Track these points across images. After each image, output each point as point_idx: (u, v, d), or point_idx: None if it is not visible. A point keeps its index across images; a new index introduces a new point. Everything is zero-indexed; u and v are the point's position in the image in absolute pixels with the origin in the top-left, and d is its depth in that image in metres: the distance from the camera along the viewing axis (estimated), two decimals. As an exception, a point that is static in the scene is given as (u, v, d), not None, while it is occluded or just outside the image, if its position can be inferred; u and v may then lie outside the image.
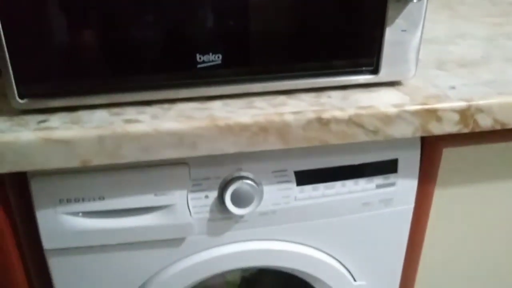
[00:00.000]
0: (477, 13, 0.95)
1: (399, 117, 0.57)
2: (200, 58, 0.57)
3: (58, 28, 0.54)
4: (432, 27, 0.87)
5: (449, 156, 0.65)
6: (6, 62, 0.53)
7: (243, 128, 0.54)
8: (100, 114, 0.56)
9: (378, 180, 0.64)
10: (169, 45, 0.57)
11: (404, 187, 0.65)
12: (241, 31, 0.59)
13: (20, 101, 0.54)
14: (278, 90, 0.60)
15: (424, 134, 0.59)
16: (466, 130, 0.59)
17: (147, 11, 0.56)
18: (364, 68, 0.62)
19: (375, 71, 0.62)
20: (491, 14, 0.94)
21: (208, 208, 0.60)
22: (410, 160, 0.64)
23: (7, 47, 0.52)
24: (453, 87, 0.63)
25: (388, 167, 0.63)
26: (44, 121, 0.54)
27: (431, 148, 0.64)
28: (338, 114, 0.56)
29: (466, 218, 0.71)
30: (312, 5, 0.59)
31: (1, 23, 0.51)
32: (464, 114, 0.58)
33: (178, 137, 0.53)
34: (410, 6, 0.59)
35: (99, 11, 0.55)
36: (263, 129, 0.54)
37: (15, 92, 0.54)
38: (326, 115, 0.55)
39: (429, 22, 0.89)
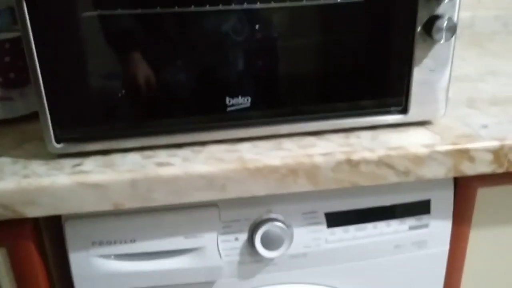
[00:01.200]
0: (506, 50, 0.94)
1: (430, 157, 0.56)
2: (229, 102, 0.58)
3: (94, 74, 0.57)
4: (462, 65, 0.86)
5: (483, 196, 0.63)
6: (44, 107, 0.55)
7: (272, 170, 0.54)
8: (133, 157, 0.57)
9: (411, 221, 0.62)
10: (199, 89, 0.59)
11: (438, 229, 0.63)
12: (269, 74, 0.60)
13: (57, 145, 0.56)
14: (306, 131, 0.61)
15: (457, 175, 0.58)
16: (500, 170, 0.58)
17: (178, 57, 0.58)
18: (393, 108, 0.62)
19: (404, 111, 0.62)
20: (521, 50, 0.93)
21: (238, 251, 0.59)
22: (444, 200, 0.63)
23: (45, 93, 0.54)
24: (485, 126, 0.62)
25: (420, 208, 0.62)
26: (78, 164, 0.56)
27: (464, 188, 0.63)
28: (367, 155, 0.55)
29: (504, 259, 0.68)
30: (340, 47, 0.60)
31: (41, 70, 0.53)
32: (498, 153, 0.57)
33: (208, 180, 0.53)
34: (437, 46, 0.59)
35: (132, 57, 0.57)
36: (292, 171, 0.54)
37: (52, 136, 0.56)
38: (355, 156, 0.55)
39: (458, 59, 0.88)
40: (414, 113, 0.62)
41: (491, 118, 0.64)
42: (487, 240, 0.66)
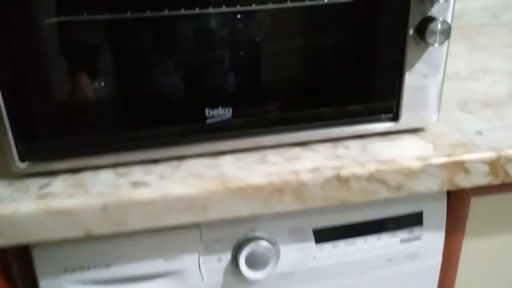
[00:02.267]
0: (497, 44, 0.91)
1: (424, 171, 0.53)
2: (209, 113, 0.54)
3: (60, 84, 0.52)
4: (452, 61, 0.82)
5: (477, 205, 0.61)
6: (4, 122, 0.50)
7: (256, 189, 0.50)
8: (105, 176, 0.53)
9: (403, 234, 0.59)
10: (176, 100, 0.54)
11: (430, 240, 0.61)
12: (251, 82, 0.56)
13: (21, 164, 0.52)
14: (292, 142, 0.57)
15: (451, 188, 0.55)
16: (496, 182, 0.55)
17: (152, 66, 0.53)
18: (383, 116, 0.58)
19: (395, 118, 0.58)
20: (512, 44, 0.90)
21: (221, 272, 0.56)
22: (436, 211, 0.60)
23: (5, 106, 0.49)
24: (479, 132, 0.59)
25: (412, 220, 0.59)
26: (46, 185, 0.51)
27: (457, 198, 0.60)
28: (358, 170, 0.52)
29: (496, 270, 0.66)
30: (327, 51, 0.56)
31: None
32: (494, 165, 0.54)
33: (187, 202, 0.49)
34: (430, 50, 0.55)
35: (103, 65, 0.52)
36: (278, 189, 0.51)
37: (15, 155, 0.51)
38: (345, 172, 0.52)
39: (448, 55, 0.85)
40: (405, 120, 0.58)
41: (485, 123, 0.61)
42: (480, 250, 0.64)
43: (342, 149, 0.57)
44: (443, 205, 0.60)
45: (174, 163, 0.55)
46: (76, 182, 0.52)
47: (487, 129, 0.60)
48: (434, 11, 0.53)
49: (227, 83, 0.55)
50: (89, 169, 0.54)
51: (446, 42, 0.54)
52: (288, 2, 0.53)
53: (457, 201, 0.60)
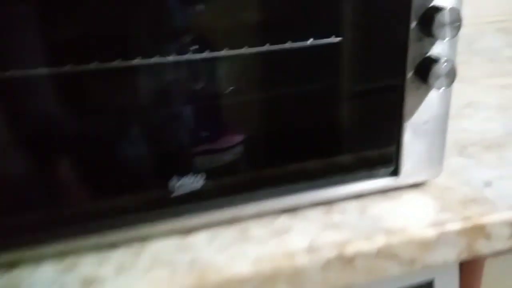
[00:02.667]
0: (477, 74, 0.85)
1: (440, 240, 0.44)
2: (176, 182, 0.44)
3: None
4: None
5: (491, 266, 0.53)
6: None
7: (242, 282, 0.40)
8: (47, 271, 0.42)
9: (412, 309, 0.51)
10: (136, 168, 0.44)
11: (442, 312, 0.52)
12: (224, 142, 0.46)
13: None
14: (277, 209, 0.48)
15: (471, 256, 0.46)
16: (520, 245, 0.47)
17: (104, 127, 0.43)
18: (381, 171, 0.50)
19: (395, 172, 0.50)
20: (493, 74, 0.85)
21: None
22: (449, 278, 0.51)
23: None
24: (488, 184, 0.51)
25: (423, 292, 0.51)
26: (-34, 290, 0.39)
27: (471, 260, 0.52)
28: (364, 246, 0.43)
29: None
30: (311, 101, 0.48)
31: None
32: (517, 226, 0.46)
33: (154, 306, 0.39)
34: (432, 95, 0.48)
35: (43, 127, 0.41)
36: (269, 278, 0.41)
37: None
38: (349, 249, 0.42)
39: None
40: (406, 175, 0.50)
41: (491, 171, 0.54)
42: (495, 315, 0.56)
43: (337, 214, 0.48)
44: (455, 270, 0.51)
45: (136, 247, 0.44)
46: (8, 284, 0.40)
47: (495, 178, 0.53)
48: (435, 50, 0.46)
49: (197, 145, 0.45)
50: (26, 263, 0.42)
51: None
52: (267, 45, 0.44)
53: (470, 264, 0.52)
